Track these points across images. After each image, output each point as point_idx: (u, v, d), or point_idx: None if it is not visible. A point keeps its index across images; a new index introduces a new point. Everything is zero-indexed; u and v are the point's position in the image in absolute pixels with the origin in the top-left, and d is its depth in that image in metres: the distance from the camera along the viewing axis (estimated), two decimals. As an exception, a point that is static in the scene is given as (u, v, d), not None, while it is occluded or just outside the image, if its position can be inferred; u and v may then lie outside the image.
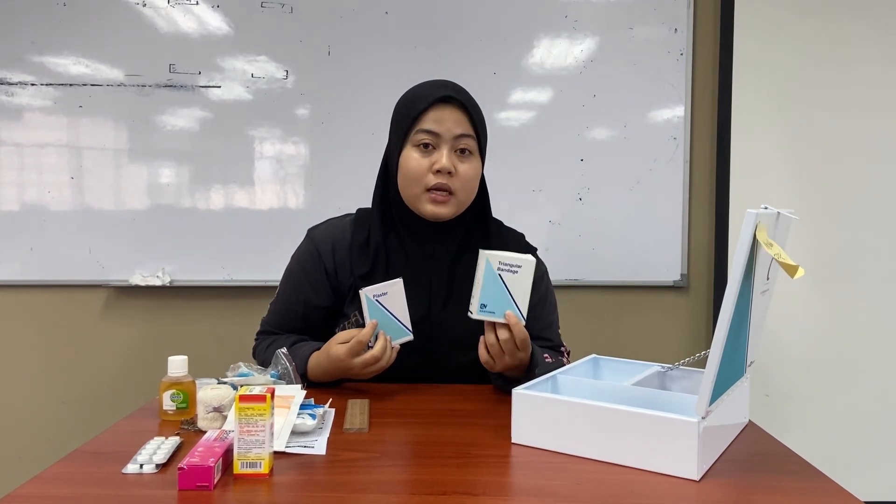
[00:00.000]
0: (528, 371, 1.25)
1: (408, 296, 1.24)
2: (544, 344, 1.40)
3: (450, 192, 1.28)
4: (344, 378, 1.29)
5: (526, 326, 1.26)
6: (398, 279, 1.23)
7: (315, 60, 2.30)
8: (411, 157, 1.28)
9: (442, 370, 1.35)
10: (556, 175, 2.35)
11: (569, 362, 1.40)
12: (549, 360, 1.31)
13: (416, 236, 1.35)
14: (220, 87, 2.30)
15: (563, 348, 1.44)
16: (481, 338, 1.21)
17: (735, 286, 0.84)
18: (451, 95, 1.28)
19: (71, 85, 2.27)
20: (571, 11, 2.32)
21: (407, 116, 1.29)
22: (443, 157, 1.26)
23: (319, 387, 1.29)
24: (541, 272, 1.44)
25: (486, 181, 1.40)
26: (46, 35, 2.26)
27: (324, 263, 1.36)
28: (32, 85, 2.27)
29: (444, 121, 1.27)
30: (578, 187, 2.36)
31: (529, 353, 1.23)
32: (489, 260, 1.18)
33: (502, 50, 2.32)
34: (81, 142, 2.29)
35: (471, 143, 1.30)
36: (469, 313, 1.19)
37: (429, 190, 1.28)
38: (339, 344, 1.22)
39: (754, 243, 0.86)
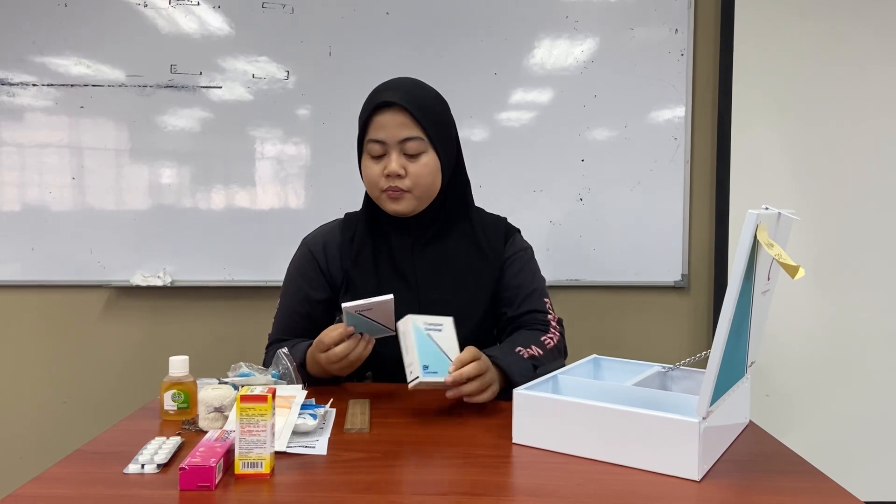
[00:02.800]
0: (508, 385, 1.19)
1: (394, 284, 1.28)
2: (529, 310, 1.40)
3: (403, 189, 1.32)
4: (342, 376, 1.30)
5: (508, 297, 1.39)
6: (390, 296, 1.18)
7: (316, 61, 2.30)
8: (367, 166, 1.34)
9: None
10: (556, 175, 2.35)
11: (558, 333, 1.38)
12: (524, 354, 1.27)
13: (398, 225, 1.39)
14: (221, 87, 2.30)
15: (550, 316, 1.42)
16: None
17: (736, 286, 0.84)
18: (388, 101, 1.29)
19: (72, 85, 2.28)
20: (572, 12, 2.32)
21: (359, 126, 1.35)
22: (391, 163, 1.30)
23: (322, 384, 1.31)
24: (522, 247, 1.48)
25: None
26: (47, 36, 2.26)
27: (317, 261, 1.41)
28: (34, 85, 2.27)
29: (386, 127, 1.29)
30: (579, 188, 2.36)
31: (497, 370, 1.20)
32: (415, 323, 1.15)
33: (503, 50, 2.32)
34: (83, 142, 2.29)
35: (416, 145, 1.30)
36: (410, 381, 1.11)
37: (385, 190, 1.32)
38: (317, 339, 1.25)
39: (755, 244, 0.86)
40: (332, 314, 1.42)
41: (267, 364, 1.43)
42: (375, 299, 1.17)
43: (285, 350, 1.26)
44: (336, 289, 1.41)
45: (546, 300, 1.44)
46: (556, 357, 1.34)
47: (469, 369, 1.12)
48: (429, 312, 1.30)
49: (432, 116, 1.32)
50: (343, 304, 1.17)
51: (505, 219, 1.51)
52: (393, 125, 1.29)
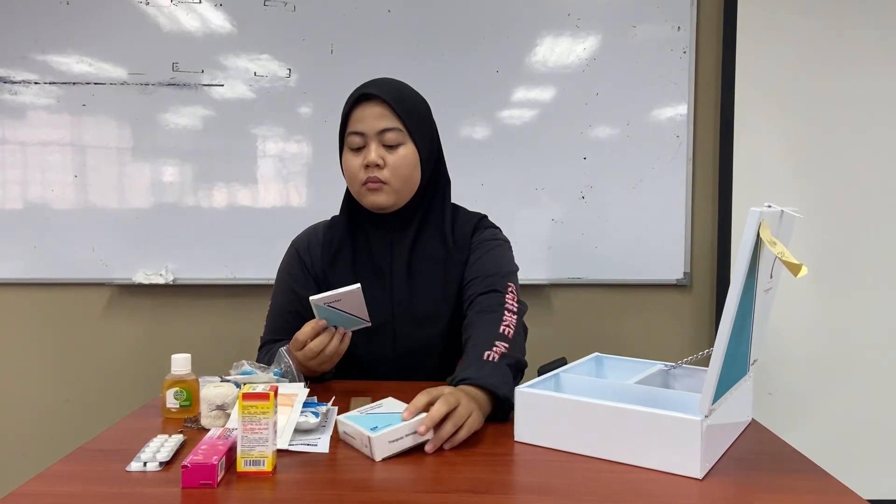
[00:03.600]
0: (498, 402, 1.11)
1: (371, 282, 1.29)
2: (484, 288, 1.33)
3: (382, 181, 1.32)
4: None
5: (468, 281, 1.36)
6: (357, 285, 1.19)
7: (318, 59, 2.30)
8: (347, 159, 1.36)
9: (411, 348, 1.38)
10: (558, 173, 2.35)
11: (514, 315, 1.29)
12: (493, 357, 1.18)
13: (378, 226, 1.41)
14: (222, 85, 2.30)
15: (508, 297, 1.32)
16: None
17: (738, 284, 0.84)
18: (369, 93, 1.32)
19: (74, 83, 2.28)
20: (574, 9, 2.31)
21: (341, 122, 1.37)
22: (370, 153, 1.31)
23: (314, 382, 1.31)
24: (490, 236, 1.43)
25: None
26: (50, 34, 2.26)
27: (302, 260, 1.44)
28: (36, 83, 2.27)
29: (365, 119, 1.32)
30: (581, 186, 2.35)
31: (477, 390, 1.09)
32: (348, 416, 1.01)
33: (505, 48, 2.32)
34: (85, 140, 2.29)
35: (396, 135, 1.32)
36: (374, 454, 0.94)
37: (364, 184, 1.33)
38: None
39: (758, 241, 0.86)
40: None
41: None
42: (343, 290, 1.18)
43: (286, 348, 1.26)
44: (321, 287, 1.41)
45: (510, 284, 1.34)
46: (522, 339, 1.28)
47: (437, 409, 0.96)
48: (402, 310, 1.35)
49: (411, 110, 1.34)
50: (311, 298, 1.18)
51: (483, 216, 1.49)
52: (372, 117, 1.32)
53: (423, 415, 0.97)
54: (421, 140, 1.35)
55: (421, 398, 0.99)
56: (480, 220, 1.47)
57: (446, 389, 1.03)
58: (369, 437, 0.93)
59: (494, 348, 1.19)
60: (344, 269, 1.39)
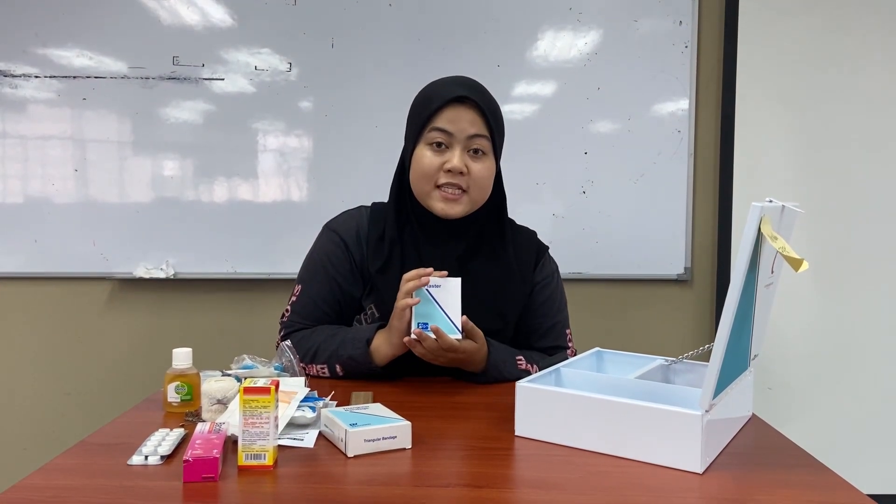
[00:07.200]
0: (485, 369, 1.29)
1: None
2: (549, 343, 1.42)
3: (462, 189, 1.28)
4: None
5: (533, 325, 1.37)
6: (457, 278, 1.21)
7: (318, 53, 2.29)
8: (424, 156, 1.28)
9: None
10: (559, 168, 2.35)
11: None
12: (521, 364, 1.33)
13: (429, 233, 1.35)
14: (223, 79, 2.29)
15: (569, 351, 1.43)
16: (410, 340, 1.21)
17: (739, 279, 0.84)
18: (466, 95, 1.27)
19: (75, 77, 2.27)
20: (575, 3, 2.31)
21: (422, 114, 1.29)
22: (455, 157, 1.26)
23: (364, 378, 1.30)
24: (550, 271, 1.47)
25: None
26: (50, 27, 2.26)
27: (351, 253, 1.36)
28: (36, 77, 2.27)
29: (458, 120, 1.27)
30: (582, 181, 2.35)
31: (463, 354, 1.23)
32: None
33: (506, 42, 2.31)
34: (85, 134, 2.29)
35: (484, 144, 1.29)
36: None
37: (440, 187, 1.28)
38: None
39: (759, 236, 0.86)
40: (359, 307, 1.38)
41: (300, 341, 1.33)
42: (445, 278, 1.21)
43: (289, 343, 1.26)
44: (365, 285, 1.36)
45: (567, 331, 1.46)
46: None
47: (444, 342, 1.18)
48: None
49: (499, 123, 1.33)
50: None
51: (535, 233, 1.50)
52: (465, 120, 1.27)
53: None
54: (498, 156, 1.34)
55: (466, 342, 1.22)
56: (539, 246, 1.47)
57: (480, 343, 1.25)
58: (346, 431, 0.93)
59: (530, 364, 1.33)
60: (393, 279, 1.27)
